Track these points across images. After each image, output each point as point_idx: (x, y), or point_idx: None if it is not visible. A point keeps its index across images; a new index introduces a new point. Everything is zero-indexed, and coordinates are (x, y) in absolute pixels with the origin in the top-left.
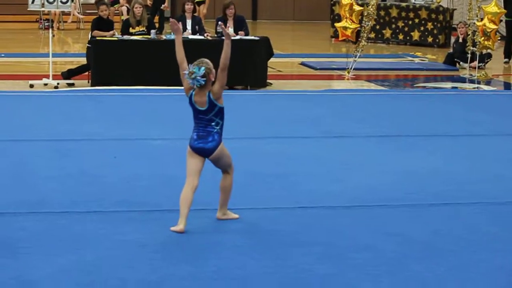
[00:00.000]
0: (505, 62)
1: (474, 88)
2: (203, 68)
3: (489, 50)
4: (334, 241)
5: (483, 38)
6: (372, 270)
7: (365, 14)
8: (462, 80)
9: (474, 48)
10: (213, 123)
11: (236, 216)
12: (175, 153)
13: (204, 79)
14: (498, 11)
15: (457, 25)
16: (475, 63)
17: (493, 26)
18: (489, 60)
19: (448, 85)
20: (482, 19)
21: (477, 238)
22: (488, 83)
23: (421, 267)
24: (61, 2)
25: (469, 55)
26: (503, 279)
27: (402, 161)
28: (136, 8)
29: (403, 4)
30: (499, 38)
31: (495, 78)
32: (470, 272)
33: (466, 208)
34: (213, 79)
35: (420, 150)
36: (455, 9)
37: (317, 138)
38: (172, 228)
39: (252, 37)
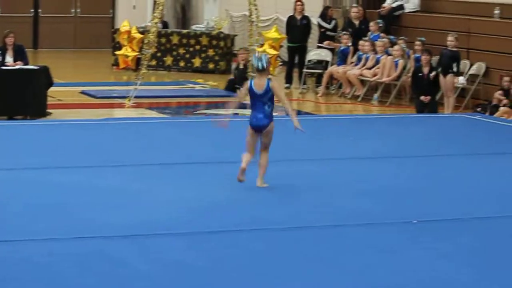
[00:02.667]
0: (287, 88)
1: None
2: (268, 56)
3: (269, 76)
4: (111, 270)
5: None
6: None
7: (146, 41)
8: (243, 106)
9: (254, 74)
10: (266, 106)
11: (266, 185)
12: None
13: (267, 64)
14: (279, 37)
15: (238, 51)
16: None
17: (273, 52)
18: None
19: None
20: (262, 45)
21: (263, 267)
22: None
23: None
24: None
25: None
26: None
27: (181, 190)
28: None
29: (184, 31)
30: (280, 63)
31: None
32: None
33: (245, 235)
34: (269, 71)
35: (197, 178)
36: (236, 35)
37: (96, 167)
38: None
39: (31, 67)
